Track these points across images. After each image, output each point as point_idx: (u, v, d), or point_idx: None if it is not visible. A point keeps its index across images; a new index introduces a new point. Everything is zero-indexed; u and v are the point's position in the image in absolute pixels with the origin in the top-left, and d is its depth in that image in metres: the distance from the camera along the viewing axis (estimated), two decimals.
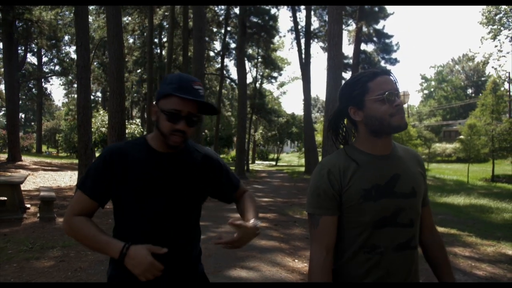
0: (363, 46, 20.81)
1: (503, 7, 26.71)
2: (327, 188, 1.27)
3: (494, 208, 11.15)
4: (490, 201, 12.56)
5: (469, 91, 61.72)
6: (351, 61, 20.23)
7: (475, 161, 28.61)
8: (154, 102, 1.37)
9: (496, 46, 42.37)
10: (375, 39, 19.86)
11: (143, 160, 1.37)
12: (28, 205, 7.48)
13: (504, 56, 39.66)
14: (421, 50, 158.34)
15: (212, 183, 1.51)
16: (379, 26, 19.97)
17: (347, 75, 20.61)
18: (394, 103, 1.24)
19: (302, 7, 22.01)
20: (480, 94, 32.48)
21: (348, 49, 23.19)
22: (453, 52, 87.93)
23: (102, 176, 1.35)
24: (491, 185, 20.66)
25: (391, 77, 1.29)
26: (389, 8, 19.43)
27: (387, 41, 19.77)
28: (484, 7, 27.42)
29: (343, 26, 19.99)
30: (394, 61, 20.12)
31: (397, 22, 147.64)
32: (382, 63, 20.20)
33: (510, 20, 28.11)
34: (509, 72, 31.67)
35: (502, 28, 27.94)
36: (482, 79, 59.54)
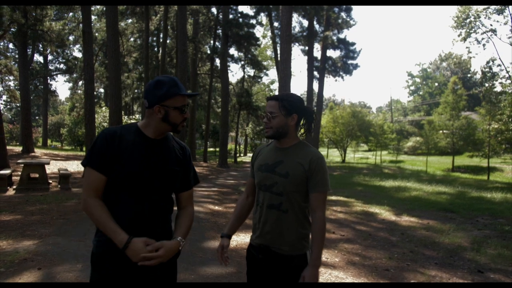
0: (331, 52, 23.99)
1: (473, 11, 29.28)
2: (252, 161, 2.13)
3: (412, 188, 13.28)
4: (416, 184, 14.66)
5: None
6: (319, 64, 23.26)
7: (445, 153, 31.41)
8: (157, 104, 1.60)
9: (467, 47, 45.01)
10: (341, 45, 22.82)
11: (138, 143, 1.61)
12: (50, 181, 10.46)
13: (474, 57, 42.36)
14: (408, 48, 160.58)
15: (182, 169, 1.75)
16: (344, 36, 22.90)
17: (318, 75, 23.85)
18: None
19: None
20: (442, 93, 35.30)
21: (319, 54, 25.92)
22: (440, 49, 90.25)
23: (105, 152, 1.56)
24: (447, 174, 23.13)
25: (271, 101, 1.93)
26: (353, 20, 22.42)
27: (350, 48, 22.76)
28: (457, 10, 29.94)
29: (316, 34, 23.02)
30: (355, 66, 23.29)
31: (390, 21, 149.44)
32: (346, 67, 23.31)
33: (477, 24, 30.75)
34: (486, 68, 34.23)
35: (470, 32, 30.59)
36: (468, 75, 62.18)
